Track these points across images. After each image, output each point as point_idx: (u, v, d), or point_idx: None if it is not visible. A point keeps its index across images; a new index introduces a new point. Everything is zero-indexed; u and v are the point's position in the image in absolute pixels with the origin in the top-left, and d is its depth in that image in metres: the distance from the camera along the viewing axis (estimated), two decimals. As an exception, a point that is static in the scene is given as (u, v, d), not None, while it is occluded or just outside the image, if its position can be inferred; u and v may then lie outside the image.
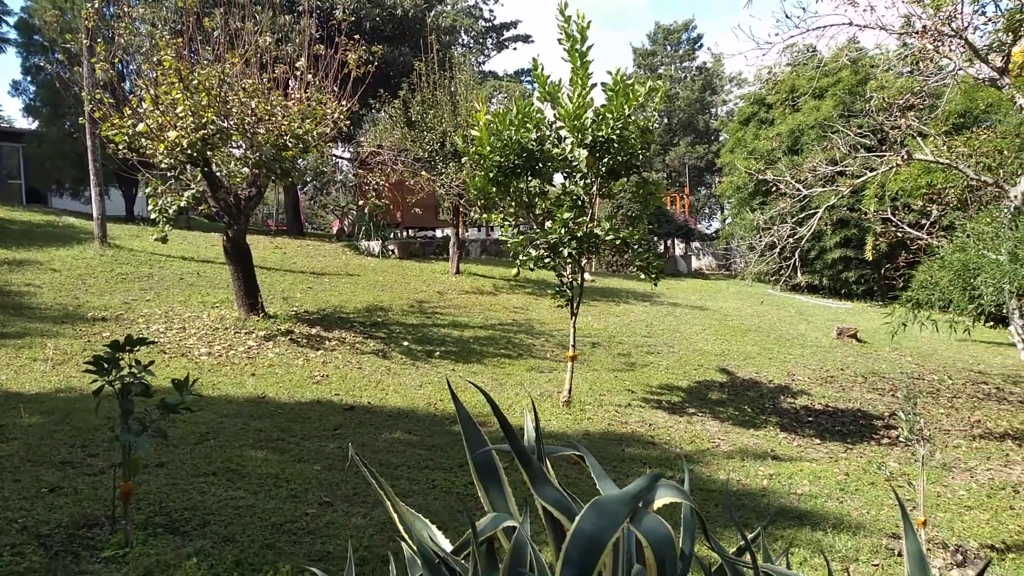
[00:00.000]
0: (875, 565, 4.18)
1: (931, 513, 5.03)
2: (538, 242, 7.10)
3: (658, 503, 2.38)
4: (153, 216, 9.10)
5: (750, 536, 2.34)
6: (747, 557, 2.47)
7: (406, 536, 2.41)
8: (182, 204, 9.00)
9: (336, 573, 3.36)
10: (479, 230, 22.23)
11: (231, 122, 8.83)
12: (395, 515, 2.38)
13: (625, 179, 7.35)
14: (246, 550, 3.55)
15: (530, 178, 7.13)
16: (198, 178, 9.23)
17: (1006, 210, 7.47)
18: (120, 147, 8.71)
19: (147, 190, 9.34)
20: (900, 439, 7.15)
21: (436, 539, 2.73)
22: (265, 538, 3.71)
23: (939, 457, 6.48)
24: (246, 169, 9.34)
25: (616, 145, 6.78)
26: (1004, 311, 8.22)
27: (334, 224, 23.35)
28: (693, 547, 2.60)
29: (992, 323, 14.26)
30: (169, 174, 9.14)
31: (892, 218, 10.57)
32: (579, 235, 6.82)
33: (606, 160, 6.92)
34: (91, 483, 4.25)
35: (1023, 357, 7.74)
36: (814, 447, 6.68)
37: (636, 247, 7.03)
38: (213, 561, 3.39)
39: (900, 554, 4.29)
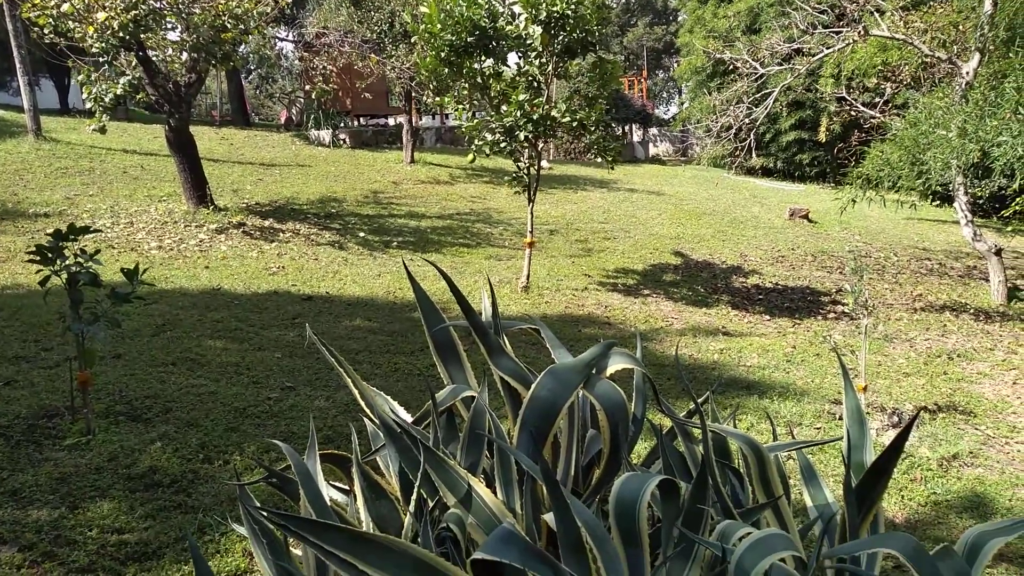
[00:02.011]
0: (817, 428, 4.42)
1: (871, 380, 5.30)
2: (493, 126, 6.95)
3: (611, 369, 2.46)
4: (89, 105, 8.64)
5: (700, 400, 2.44)
6: (697, 420, 2.59)
7: (368, 411, 2.46)
8: (118, 92, 8.54)
9: (301, 451, 3.44)
10: (433, 118, 21.68)
11: (164, 1, 8.28)
12: (356, 391, 2.42)
13: (581, 58, 7.16)
14: (210, 433, 3.60)
15: (483, 58, 6.90)
16: (133, 64, 8.73)
17: (958, 87, 7.51)
18: (45, 31, 8.14)
19: (79, 77, 8.81)
20: (846, 311, 7.43)
21: (398, 413, 2.79)
22: (228, 422, 3.76)
23: (881, 329, 6.77)
24: (184, 55, 8.86)
25: (571, 21, 6.56)
26: (950, 189, 8.42)
27: (282, 114, 22.54)
28: (645, 411, 2.71)
29: (938, 202, 14.64)
30: (101, 60, 8.62)
31: (847, 97, 10.57)
32: (535, 118, 6.69)
33: (561, 37, 6.71)
34: (47, 376, 4.21)
35: (965, 233, 7.99)
36: (763, 323, 6.92)
37: (593, 129, 6.93)
38: (178, 445, 3.44)
39: (841, 417, 4.54)
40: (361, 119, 20.40)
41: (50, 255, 3.35)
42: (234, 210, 9.45)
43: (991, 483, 3.82)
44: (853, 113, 10.57)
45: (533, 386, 2.30)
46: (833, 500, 2.58)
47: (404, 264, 2.78)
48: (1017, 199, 7.73)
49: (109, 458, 3.28)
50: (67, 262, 3.41)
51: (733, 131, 9.09)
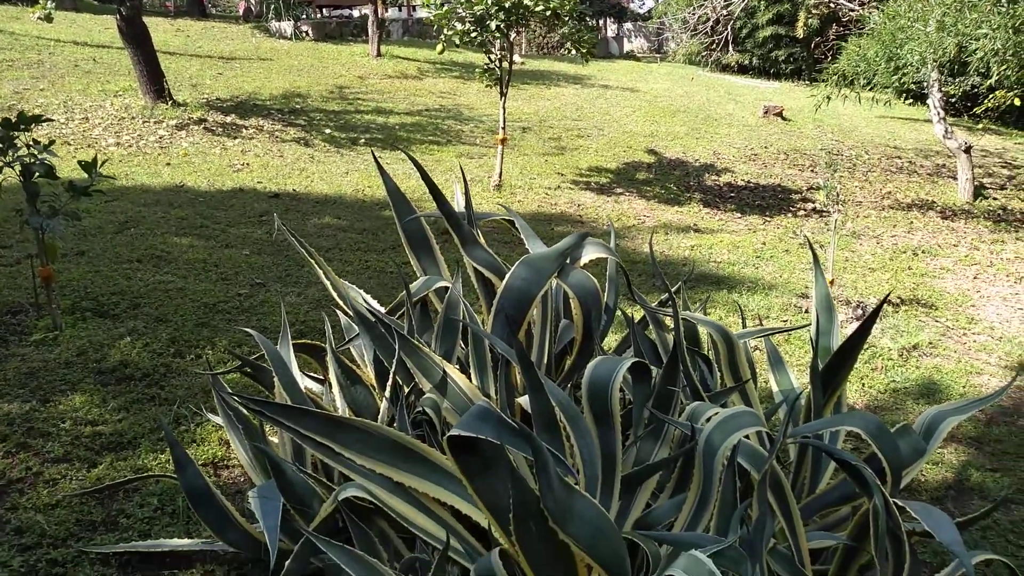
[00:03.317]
0: (784, 320, 4.52)
1: (838, 275, 5.39)
2: (463, 14, 6.67)
3: (585, 259, 2.45)
4: (31, -10, 8.11)
5: (673, 289, 2.45)
6: (668, 310, 2.61)
7: (340, 303, 2.44)
8: (62, -24, 8.00)
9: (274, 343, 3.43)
10: (400, 9, 20.78)
11: None
12: (327, 282, 2.39)
13: (555, -57, 6.81)
14: (180, 329, 3.57)
15: (452, -59, 6.55)
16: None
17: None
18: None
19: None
20: (817, 208, 7.48)
21: (371, 305, 2.77)
22: (199, 318, 3.73)
23: (850, 226, 6.84)
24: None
25: (545, -99, 6.20)
26: (924, 87, 8.35)
27: (240, 4, 21.42)
28: (617, 300, 2.73)
29: (911, 100, 14.58)
30: (41, -60, 8.03)
31: (827, -11, 10.28)
32: (507, 5, 6.42)
33: (534, -80, 6.36)
34: (7, 273, 4.11)
35: (937, 131, 7.99)
36: (735, 220, 6.95)
37: (567, 18, 6.69)
38: (148, 340, 3.41)
39: (807, 311, 4.63)
40: (324, 10, 19.48)
41: (1, 145, 3.20)
42: (194, 105, 9.09)
43: (948, 371, 3.97)
44: (832, 5, 10.31)
45: (507, 276, 2.29)
46: (798, 386, 2.65)
47: (373, 154, 2.70)
48: (990, 96, 7.70)
49: (78, 353, 3.25)
50: (19, 153, 3.26)
51: (710, 23, 8.84)
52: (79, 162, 3.39)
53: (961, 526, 1.83)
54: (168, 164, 7.07)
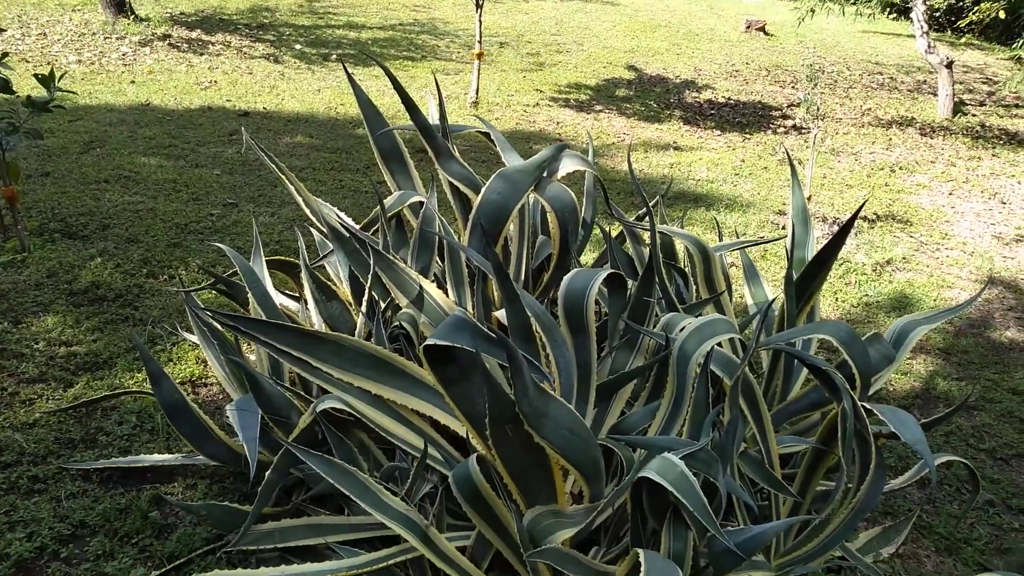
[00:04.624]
0: (761, 236, 4.53)
1: (816, 192, 5.40)
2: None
3: (562, 172, 2.42)
4: None
5: (651, 203, 2.43)
6: (646, 225, 2.60)
7: (314, 219, 2.40)
8: None
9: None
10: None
11: None
12: (299, 198, 2.34)
13: None
14: (152, 249, 3.51)
15: None
16: None
17: None
18: None
19: None
20: (796, 125, 7.43)
21: (346, 222, 2.73)
22: (170, 238, 3.66)
23: (829, 143, 6.81)
24: None
25: None
26: (908, 1, 8.18)
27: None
28: (595, 215, 2.71)
29: (895, 15, 14.33)
30: None
31: None
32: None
33: None
34: (-30, 194, 4.00)
35: (919, 45, 7.87)
36: (714, 138, 6.88)
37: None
38: (119, 261, 3.36)
39: (784, 227, 4.65)
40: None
41: (-49, 58, 3.05)
42: (157, 20, 8.71)
43: (919, 285, 4.03)
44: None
45: (484, 189, 2.25)
46: (773, 298, 2.68)
47: (345, 68, 2.61)
48: (975, 8, 7.58)
49: (48, 274, 3.19)
50: (-29, 66, 3.12)
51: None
52: (35, 75, 3.25)
53: (924, 427, 1.89)
54: (133, 82, 6.82)
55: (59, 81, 3.28)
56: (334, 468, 1.61)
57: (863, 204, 2.16)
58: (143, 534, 1.94)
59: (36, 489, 2.07)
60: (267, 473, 1.72)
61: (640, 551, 1.31)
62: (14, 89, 3.26)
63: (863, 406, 1.68)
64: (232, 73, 7.43)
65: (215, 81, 7.10)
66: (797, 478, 1.89)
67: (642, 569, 1.26)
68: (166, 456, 2.16)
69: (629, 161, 2.47)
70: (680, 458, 1.40)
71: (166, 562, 1.86)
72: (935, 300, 3.87)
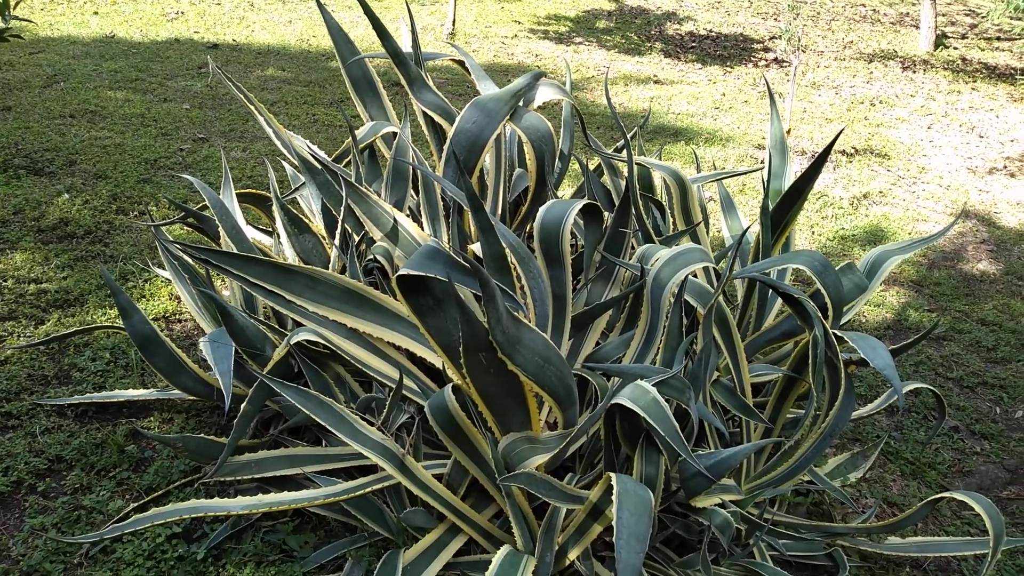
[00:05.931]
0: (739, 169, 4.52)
1: (796, 125, 5.36)
2: None
3: (539, 101, 2.37)
4: None
5: (629, 134, 2.40)
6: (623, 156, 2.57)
7: (285, 151, 2.34)
8: None
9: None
10: None
11: None
12: (270, 130, 2.28)
13: None
14: (121, 185, 3.43)
15: None
16: None
17: None
18: None
19: None
20: (777, 58, 7.33)
21: (317, 154, 2.68)
22: (140, 174, 3.58)
23: (810, 76, 6.74)
24: None
25: None
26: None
27: None
28: (572, 146, 2.68)
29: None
30: None
31: None
32: None
33: None
34: (-71, 129, 3.87)
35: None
36: (695, 71, 6.79)
37: None
38: (88, 197, 3.28)
39: (763, 162, 4.63)
40: None
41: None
42: (118, -53, 8.34)
43: (895, 219, 4.05)
44: None
45: (458, 119, 2.20)
46: (747, 226, 2.68)
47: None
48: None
49: (15, 211, 3.12)
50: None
51: None
52: (-10, 3, 3.11)
53: (893, 354, 1.92)
54: (96, 13, 6.57)
55: (15, 9, 3.14)
56: (310, 399, 1.61)
57: (839, 133, 2.14)
58: (120, 467, 1.95)
59: (10, 425, 2.06)
60: (243, 405, 1.72)
61: (613, 475, 1.33)
62: (-33, 17, 3.13)
63: (834, 333, 1.70)
64: (200, 3, 7.17)
65: (182, 12, 6.85)
66: (768, 405, 1.93)
67: (614, 492, 1.28)
68: (141, 391, 2.16)
69: (607, 93, 2.42)
70: (652, 385, 1.41)
71: (144, 494, 1.87)
72: (910, 233, 3.90)
